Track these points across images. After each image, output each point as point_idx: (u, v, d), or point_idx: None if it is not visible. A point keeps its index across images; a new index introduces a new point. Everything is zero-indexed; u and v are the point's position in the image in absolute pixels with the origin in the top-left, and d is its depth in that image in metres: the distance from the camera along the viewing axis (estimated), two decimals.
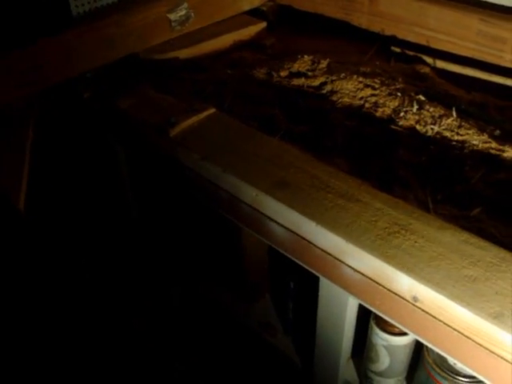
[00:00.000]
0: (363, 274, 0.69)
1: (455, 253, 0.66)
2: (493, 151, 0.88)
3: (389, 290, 0.67)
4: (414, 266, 0.65)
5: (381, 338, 0.83)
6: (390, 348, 0.83)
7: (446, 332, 0.64)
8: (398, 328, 0.79)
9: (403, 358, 0.86)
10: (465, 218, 0.77)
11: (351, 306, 0.82)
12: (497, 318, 0.59)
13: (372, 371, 0.89)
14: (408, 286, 0.65)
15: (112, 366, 0.64)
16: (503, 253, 0.66)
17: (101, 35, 1.08)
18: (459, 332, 0.63)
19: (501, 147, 0.88)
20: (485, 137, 0.90)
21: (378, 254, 0.67)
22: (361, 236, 0.69)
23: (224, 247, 1.07)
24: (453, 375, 0.80)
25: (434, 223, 0.70)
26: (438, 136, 0.90)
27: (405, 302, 0.66)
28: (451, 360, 0.76)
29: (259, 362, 1.12)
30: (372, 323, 0.84)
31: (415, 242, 0.67)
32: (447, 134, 0.90)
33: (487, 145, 0.89)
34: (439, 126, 0.91)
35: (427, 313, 0.65)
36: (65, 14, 1.05)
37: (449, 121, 0.92)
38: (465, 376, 0.80)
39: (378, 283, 0.68)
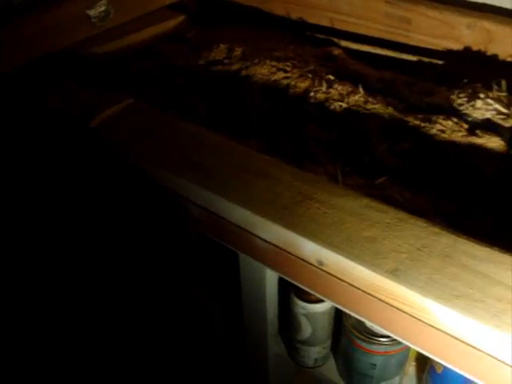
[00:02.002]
0: (273, 244, 0.73)
1: (355, 217, 0.69)
2: (398, 123, 0.92)
3: (296, 256, 0.71)
4: (316, 231, 0.68)
5: (300, 306, 0.86)
6: (310, 316, 0.87)
7: (351, 292, 0.68)
8: (314, 295, 0.83)
9: (324, 325, 0.90)
10: (371, 187, 0.81)
11: (270, 278, 0.85)
12: (392, 273, 0.63)
13: (297, 341, 0.93)
14: (313, 251, 0.68)
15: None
16: (400, 214, 0.70)
17: (19, 33, 1.08)
18: (362, 290, 0.66)
19: (405, 119, 0.92)
20: (390, 110, 0.94)
21: (284, 223, 0.70)
22: (268, 208, 0.72)
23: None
24: (370, 336, 0.84)
25: (337, 191, 0.73)
26: (346, 112, 0.94)
27: (311, 266, 0.70)
28: (367, 322, 0.80)
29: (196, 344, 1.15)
30: (291, 293, 0.87)
31: (318, 209, 0.71)
32: (355, 109, 0.94)
33: (393, 118, 0.93)
34: (347, 103, 0.95)
35: (332, 275, 0.68)
36: None
37: (356, 97, 0.96)
38: (381, 336, 0.84)
39: (286, 251, 0.72)
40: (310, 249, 0.68)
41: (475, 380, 0.66)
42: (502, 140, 0.86)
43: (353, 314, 0.73)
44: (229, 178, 0.78)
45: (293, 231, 0.69)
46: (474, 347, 0.61)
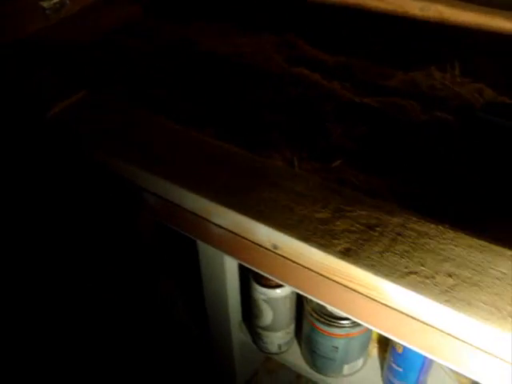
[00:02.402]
0: (228, 230, 0.72)
1: (308, 199, 0.70)
2: (354, 107, 0.92)
3: (252, 241, 0.71)
4: (269, 215, 0.68)
5: (260, 292, 0.86)
6: (271, 301, 0.87)
7: (306, 274, 0.68)
8: (274, 280, 0.83)
9: (285, 310, 0.90)
10: (327, 170, 0.81)
11: (230, 265, 0.85)
12: (345, 253, 0.63)
13: (259, 327, 0.93)
14: (267, 235, 0.68)
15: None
16: (353, 195, 0.70)
17: None
18: (316, 272, 0.66)
19: (361, 103, 0.93)
20: (346, 94, 0.94)
21: (238, 208, 0.70)
22: (222, 194, 0.72)
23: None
24: (331, 319, 0.85)
25: (290, 175, 0.74)
26: (302, 97, 0.94)
27: (267, 251, 0.70)
28: (327, 305, 0.80)
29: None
30: (251, 279, 0.87)
31: (271, 193, 0.71)
32: (311, 94, 0.94)
33: (349, 101, 0.93)
34: (303, 88, 0.95)
35: (287, 258, 0.68)
36: None
37: (311, 82, 0.96)
38: (342, 319, 0.84)
39: (242, 237, 0.71)
40: (264, 233, 0.68)
41: (430, 356, 0.67)
42: (455, 118, 0.87)
43: (310, 297, 0.73)
44: (183, 166, 0.78)
45: (247, 216, 0.69)
46: (426, 324, 0.61)
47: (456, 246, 0.63)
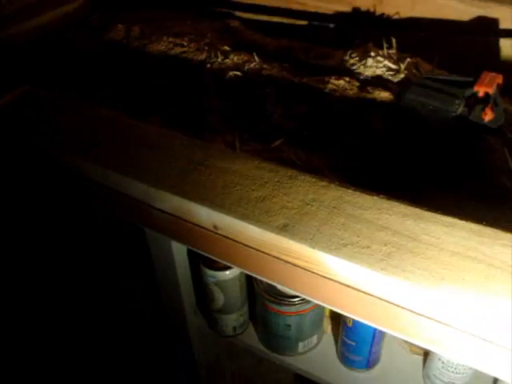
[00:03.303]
0: (170, 214, 0.73)
1: (246, 178, 0.70)
2: (293, 88, 0.93)
3: (193, 223, 0.71)
4: (208, 196, 0.69)
5: (209, 275, 0.87)
6: (220, 284, 0.88)
7: (248, 253, 0.69)
8: (222, 263, 0.83)
9: (236, 292, 0.91)
10: (267, 151, 0.82)
11: (178, 250, 0.85)
12: (282, 229, 0.64)
13: (213, 310, 0.93)
14: (206, 215, 0.68)
15: None
16: (290, 172, 0.71)
17: None
18: (257, 250, 0.67)
19: (300, 83, 0.94)
20: (286, 75, 0.95)
21: (178, 191, 0.70)
22: (162, 178, 0.72)
23: None
24: (280, 298, 0.86)
25: (228, 156, 0.74)
26: (242, 80, 0.95)
27: (208, 232, 0.70)
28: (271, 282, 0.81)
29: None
30: (199, 262, 0.88)
31: (210, 175, 0.71)
32: (251, 77, 0.95)
33: (288, 83, 0.94)
34: (243, 72, 0.96)
35: (228, 238, 0.69)
36: None
37: (252, 65, 0.97)
38: (291, 296, 0.85)
39: (183, 219, 0.72)
40: (204, 214, 0.69)
41: (375, 326, 0.68)
42: (391, 95, 0.88)
43: (256, 276, 0.74)
44: (123, 153, 0.78)
45: (186, 198, 0.69)
46: (366, 293, 0.62)
47: (391, 215, 0.65)
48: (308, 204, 0.66)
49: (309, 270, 0.65)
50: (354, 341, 0.88)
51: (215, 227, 0.69)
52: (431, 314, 0.59)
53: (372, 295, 0.62)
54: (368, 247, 0.61)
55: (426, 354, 0.90)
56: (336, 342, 0.97)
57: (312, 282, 0.66)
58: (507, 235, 0.60)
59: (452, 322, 0.57)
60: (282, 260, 0.66)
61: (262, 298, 0.88)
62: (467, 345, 0.59)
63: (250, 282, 0.93)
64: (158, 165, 0.75)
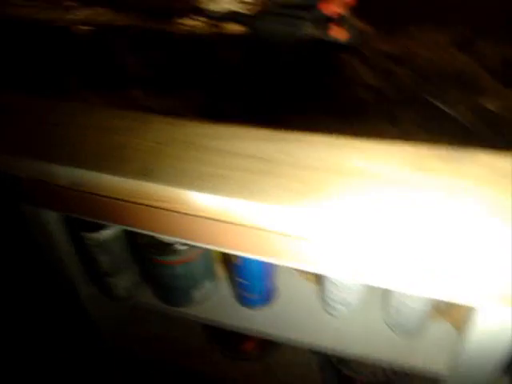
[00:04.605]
0: (33, 180, 0.70)
1: (99, 130, 0.68)
2: (145, 35, 0.90)
3: (55, 185, 0.68)
4: (61, 154, 0.66)
5: (87, 238, 0.84)
6: (101, 245, 0.85)
7: (113, 205, 0.67)
8: (98, 223, 0.80)
9: (119, 252, 0.88)
10: (124, 99, 0.80)
11: (52, 220, 0.82)
12: (140, 173, 0.62)
13: (101, 275, 0.91)
14: (64, 175, 0.66)
15: None
16: (140, 116, 0.70)
17: None
18: (120, 200, 0.66)
19: (152, 29, 0.91)
20: (139, 23, 0.92)
21: (34, 154, 0.67)
22: (23, 143, 0.69)
23: None
24: (162, 247, 0.84)
25: (83, 112, 0.72)
26: (94, 34, 0.92)
27: (69, 190, 0.68)
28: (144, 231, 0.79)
29: None
30: (76, 228, 0.85)
31: (63, 133, 0.69)
32: (105, 29, 0.92)
33: (141, 30, 0.91)
34: (94, 25, 0.93)
35: (89, 192, 0.67)
36: None
37: (105, 18, 0.93)
38: (171, 244, 0.84)
39: (46, 182, 0.69)
40: (62, 174, 0.66)
41: (257, 257, 0.68)
42: (244, 28, 0.87)
43: (128, 228, 0.72)
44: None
45: (43, 160, 0.66)
46: (237, 224, 0.62)
47: (246, 141, 0.64)
48: (161, 144, 0.65)
49: (175, 211, 0.64)
50: (245, 279, 0.88)
51: (75, 184, 0.66)
52: (300, 233, 0.59)
53: (242, 225, 0.62)
54: (226, 176, 0.60)
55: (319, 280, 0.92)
56: (232, 285, 0.96)
57: (181, 222, 0.66)
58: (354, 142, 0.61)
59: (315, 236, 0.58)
60: (148, 206, 0.65)
61: (146, 252, 0.86)
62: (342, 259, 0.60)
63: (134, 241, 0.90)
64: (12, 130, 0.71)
